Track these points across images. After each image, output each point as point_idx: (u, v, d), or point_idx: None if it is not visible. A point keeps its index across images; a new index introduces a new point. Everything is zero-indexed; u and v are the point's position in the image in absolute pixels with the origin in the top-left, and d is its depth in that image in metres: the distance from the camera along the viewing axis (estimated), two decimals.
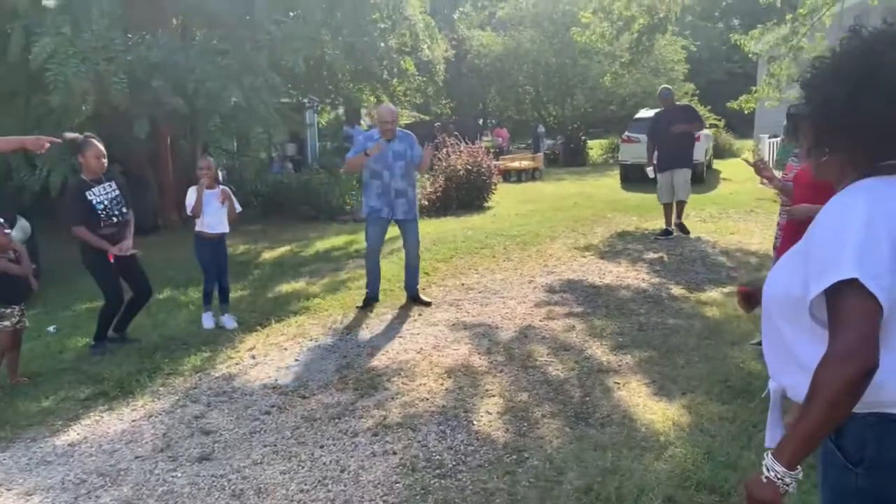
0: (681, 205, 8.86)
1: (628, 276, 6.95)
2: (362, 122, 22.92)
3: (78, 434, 3.84)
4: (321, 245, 9.56)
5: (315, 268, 8.03)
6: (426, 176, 12.63)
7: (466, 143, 13.24)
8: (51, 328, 5.86)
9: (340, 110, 24.91)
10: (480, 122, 31.13)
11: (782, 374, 1.56)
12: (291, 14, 8.93)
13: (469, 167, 12.49)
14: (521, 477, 3.20)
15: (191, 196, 5.56)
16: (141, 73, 7.24)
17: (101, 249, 4.96)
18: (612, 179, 16.44)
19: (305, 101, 12.92)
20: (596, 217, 10.73)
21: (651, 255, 7.86)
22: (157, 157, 9.89)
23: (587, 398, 4.05)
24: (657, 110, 9.58)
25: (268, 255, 9.03)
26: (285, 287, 7.14)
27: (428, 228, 10.24)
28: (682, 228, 8.80)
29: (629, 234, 9.26)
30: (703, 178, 14.22)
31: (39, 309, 6.57)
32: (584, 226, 9.96)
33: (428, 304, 6.07)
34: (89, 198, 4.92)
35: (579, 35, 12.23)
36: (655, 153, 8.82)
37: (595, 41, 12.01)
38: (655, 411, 3.82)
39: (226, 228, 5.72)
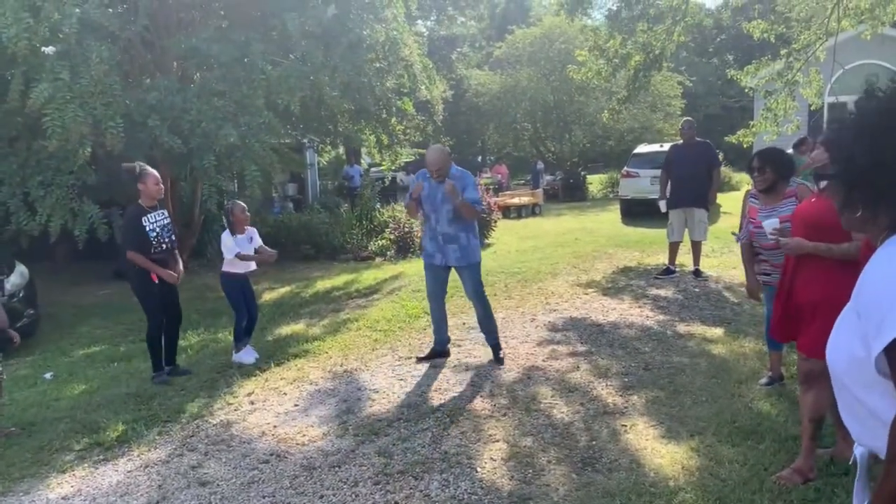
0: (697, 247, 8.48)
1: (632, 313, 6.88)
2: (363, 160, 23.08)
3: (72, 487, 3.75)
4: (322, 285, 9.51)
5: (315, 308, 7.96)
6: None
7: None
8: (47, 375, 5.78)
9: (341, 149, 25.10)
10: (479, 159, 31.34)
11: (869, 437, 1.52)
12: (291, 56, 9.03)
13: None
14: None
15: (227, 241, 5.74)
16: (138, 114, 7.28)
17: (149, 271, 5.22)
18: (613, 214, 16.45)
19: (305, 140, 12.99)
20: (597, 253, 10.69)
21: (654, 292, 7.79)
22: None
23: (594, 442, 3.95)
24: (672, 143, 9.26)
25: (268, 296, 8.97)
26: (285, 329, 7.06)
27: None
28: (698, 273, 8.39)
29: (631, 269, 9.21)
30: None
31: (36, 355, 6.50)
32: (585, 262, 9.92)
33: (500, 361, 5.41)
34: (144, 224, 5.16)
35: (576, 73, 12.33)
36: (668, 187, 8.52)
37: (591, 78, 12.11)
38: (664, 455, 3.72)
39: (255, 266, 5.97)
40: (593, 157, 28.21)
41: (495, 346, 5.52)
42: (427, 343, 6.12)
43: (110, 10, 8.07)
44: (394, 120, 11.74)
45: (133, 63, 8.90)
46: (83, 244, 7.84)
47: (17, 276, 6.83)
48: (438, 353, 5.62)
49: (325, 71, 8.06)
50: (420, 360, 5.54)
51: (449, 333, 6.39)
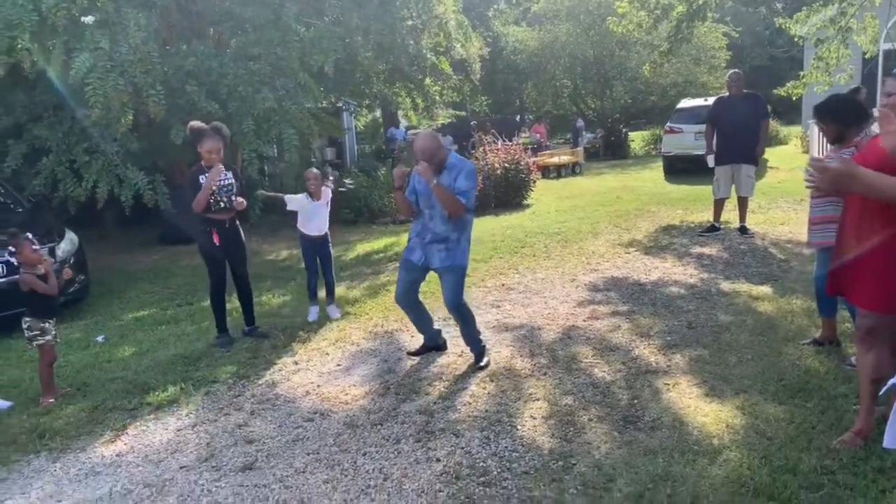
0: (743, 203, 8.24)
1: (675, 271, 6.76)
2: (402, 123, 22.97)
3: (125, 444, 3.88)
4: (361, 248, 9.57)
5: (356, 271, 8.02)
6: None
7: (503, 141, 13.11)
8: (99, 338, 5.96)
9: (378, 112, 25.04)
10: (518, 118, 30.90)
11: None
12: (325, 18, 8.95)
13: (507, 165, 12.37)
14: (568, 484, 3.10)
15: (299, 203, 5.98)
16: (176, 81, 7.34)
17: (211, 231, 5.30)
18: (655, 172, 16.11)
19: (341, 104, 12.96)
20: (639, 211, 10.50)
21: (698, 250, 7.63)
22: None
23: (635, 401, 3.92)
24: (719, 95, 8.87)
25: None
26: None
27: None
28: (744, 230, 8.17)
29: (674, 227, 9.03)
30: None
31: (88, 319, 6.70)
32: (627, 221, 9.76)
33: (485, 366, 4.62)
34: (201, 181, 5.20)
35: (615, 25, 11.96)
36: (715, 142, 8.19)
37: (632, 31, 11.73)
38: (707, 413, 3.67)
39: (327, 229, 6.14)
40: (635, 113, 27.53)
41: (478, 355, 4.70)
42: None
43: None
44: (429, 80, 11.61)
45: (170, 30, 8.94)
46: (130, 211, 8.01)
47: (68, 242, 7.02)
48: (431, 347, 4.98)
49: (358, 31, 7.97)
50: (411, 354, 4.95)
51: (488, 295, 6.38)
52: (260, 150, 8.22)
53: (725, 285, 6.12)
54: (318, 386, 4.51)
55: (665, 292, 6.06)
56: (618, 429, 3.60)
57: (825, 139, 4.08)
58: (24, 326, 4.57)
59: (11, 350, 5.68)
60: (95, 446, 3.87)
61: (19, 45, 6.83)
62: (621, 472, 3.14)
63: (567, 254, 7.93)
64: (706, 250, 7.57)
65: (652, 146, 22.24)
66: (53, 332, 4.66)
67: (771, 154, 17.09)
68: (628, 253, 7.74)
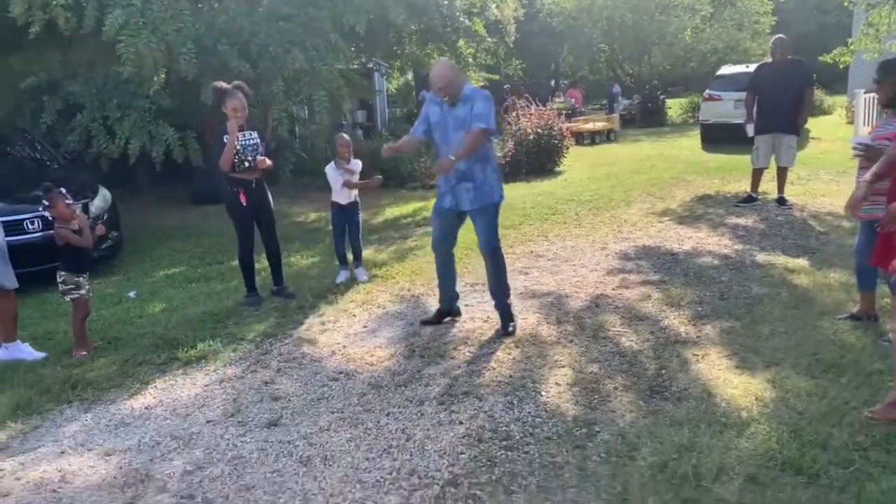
0: (783, 173, 8.00)
1: (709, 241, 6.62)
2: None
3: (154, 397, 3.95)
4: (390, 212, 9.54)
5: (384, 235, 8.01)
6: (495, 140, 12.38)
7: (537, 106, 12.88)
8: (131, 294, 6.05)
9: (410, 75, 24.78)
10: (553, 82, 30.36)
11: None
12: None
13: (539, 130, 12.17)
14: (591, 451, 3.07)
15: (332, 173, 5.98)
16: (208, 39, 7.31)
17: (238, 191, 5.30)
18: (692, 140, 15.75)
19: (372, 66, 12.83)
20: (674, 180, 10.29)
21: (734, 220, 7.46)
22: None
23: (663, 371, 3.86)
24: (762, 62, 8.58)
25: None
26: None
27: None
28: (783, 202, 7.93)
29: (710, 197, 8.83)
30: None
31: (121, 276, 6.81)
32: (661, 189, 9.57)
33: (508, 332, 4.50)
34: (225, 141, 5.20)
35: None
36: (755, 110, 7.89)
37: None
38: (737, 385, 3.60)
39: (356, 197, 6.08)
40: (674, 80, 26.83)
41: (504, 315, 4.57)
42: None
43: None
44: (462, 42, 11.40)
45: None
46: (163, 170, 8.07)
47: (101, 199, 7.11)
48: (445, 312, 4.81)
49: None
50: (425, 323, 4.79)
51: (516, 261, 6.31)
52: (290, 111, 8.18)
53: (761, 257, 5.97)
54: (344, 346, 4.53)
55: (698, 262, 5.93)
56: (643, 398, 3.55)
57: (877, 102, 3.89)
58: (59, 280, 4.64)
59: (47, 304, 5.80)
60: (125, 399, 3.94)
61: (54, 2, 6.84)
62: (645, 441, 3.11)
63: (598, 222, 7.81)
64: (742, 221, 7.39)
65: (690, 114, 21.70)
66: (87, 287, 4.73)
67: (813, 124, 16.55)
68: (661, 222, 7.60)
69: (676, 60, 24.72)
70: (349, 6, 7.79)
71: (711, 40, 22.07)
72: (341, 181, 5.97)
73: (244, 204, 5.32)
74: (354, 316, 5.13)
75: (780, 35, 8.37)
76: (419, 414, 3.53)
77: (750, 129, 7.98)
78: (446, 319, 4.83)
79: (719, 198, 8.74)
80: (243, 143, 5.26)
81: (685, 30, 14.17)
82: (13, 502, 2.97)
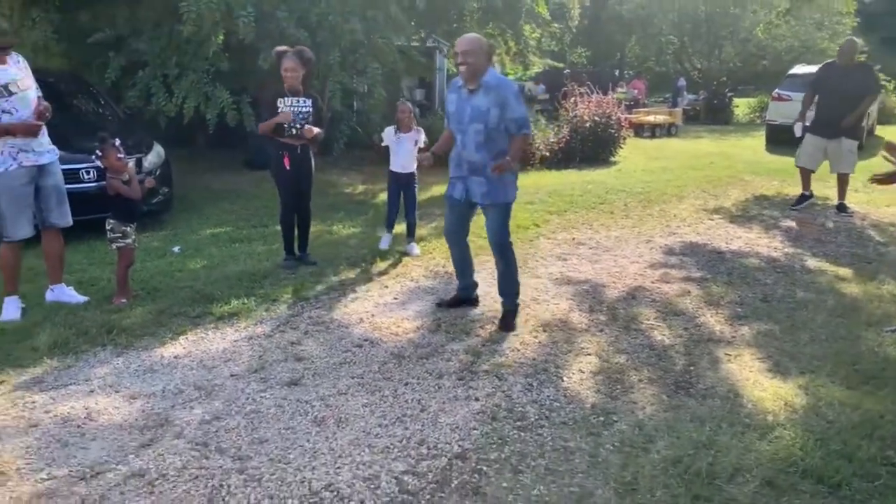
0: (843, 179, 7.63)
1: (759, 243, 6.40)
2: (496, 68, 22.55)
3: (183, 348, 4.04)
4: (437, 190, 9.50)
5: (427, 212, 7.98)
6: (549, 125, 12.20)
7: (597, 94, 12.64)
8: (175, 248, 6.20)
9: (494, 62, 24.59)
10: (616, 72, 29.72)
11: None
12: None
13: (596, 119, 11.93)
14: (605, 440, 3.01)
15: (388, 137, 6.02)
16: (268, 5, 7.38)
17: (282, 154, 5.36)
18: (757, 140, 15.24)
19: (432, 43, 12.77)
20: (731, 178, 9.97)
21: (788, 223, 7.19)
22: None
23: (691, 367, 3.76)
24: (827, 61, 8.24)
25: (384, 196, 9.10)
26: (395, 228, 7.15)
27: (546, 179, 9.97)
28: (842, 209, 7.60)
29: (767, 198, 8.53)
30: (862, 145, 12.82)
31: (168, 231, 6.99)
32: (716, 187, 9.29)
33: (508, 327, 4.29)
34: (278, 105, 5.27)
35: None
36: (812, 110, 7.61)
37: None
38: (766, 388, 3.48)
39: (414, 168, 6.03)
40: (744, 77, 25.91)
41: (509, 312, 4.38)
42: (531, 254, 6.02)
43: None
44: (526, 26, 11.24)
45: None
46: (219, 134, 8.21)
47: (155, 155, 7.29)
48: (463, 299, 4.69)
49: None
50: (441, 305, 4.67)
51: (556, 247, 6.23)
52: (345, 83, 8.21)
53: (811, 262, 5.75)
54: (373, 315, 4.55)
55: (744, 263, 5.75)
56: (667, 392, 3.46)
57: None
58: (107, 228, 4.78)
59: (95, 251, 5.99)
60: (156, 347, 4.05)
61: None
62: (663, 434, 3.03)
63: (647, 214, 7.64)
64: (796, 224, 7.12)
65: (758, 114, 20.98)
66: (133, 237, 4.86)
67: (888, 132, 15.80)
68: (712, 220, 7.38)
69: (749, 57, 23.94)
70: None
71: (787, 38, 21.26)
72: (407, 147, 5.91)
73: (287, 168, 5.37)
74: (386, 287, 5.14)
75: (852, 38, 7.99)
76: (437, 387, 3.53)
77: (797, 129, 7.66)
78: (463, 307, 4.68)
79: (777, 200, 8.44)
80: (293, 108, 5.30)
81: (759, 25, 13.62)
82: (39, 433, 3.09)
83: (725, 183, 9.60)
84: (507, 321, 4.32)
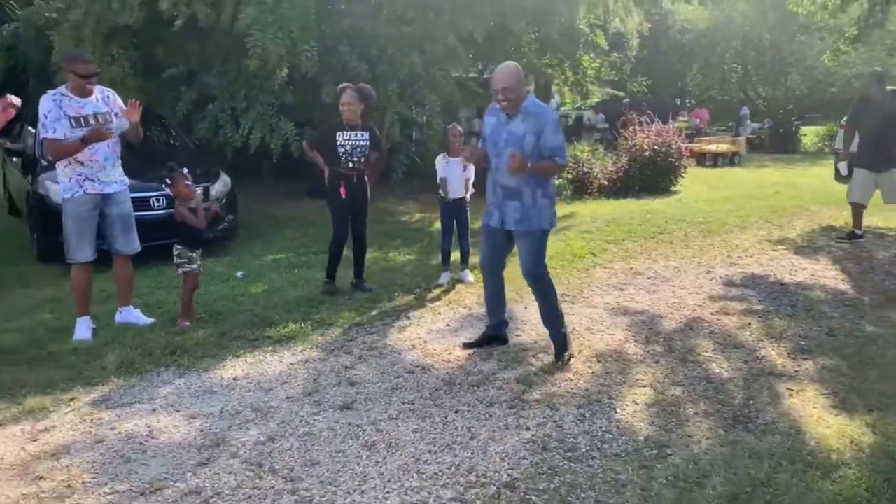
0: None
1: (825, 275, 6.18)
2: (554, 99, 22.58)
3: (242, 370, 4.16)
4: None
5: (479, 239, 8.02)
6: (607, 154, 12.13)
7: (656, 123, 12.52)
8: (238, 274, 6.41)
9: (531, 86, 24.73)
10: (678, 101, 29.36)
11: None
12: None
13: (656, 147, 11.81)
14: (658, 473, 2.94)
15: (439, 166, 6.02)
16: (331, 40, 7.65)
17: (338, 185, 5.51)
18: (825, 169, 14.72)
19: (489, 74, 12.95)
20: (797, 208, 9.68)
21: (856, 254, 6.92)
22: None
23: (750, 402, 3.65)
24: (860, 96, 7.98)
25: (437, 224, 9.19)
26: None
27: (604, 208, 9.90)
28: None
29: (835, 229, 8.22)
30: None
31: (232, 256, 7.24)
32: (781, 217, 9.03)
33: (562, 362, 4.14)
34: (337, 138, 5.45)
35: (796, 6, 10.97)
36: (856, 144, 7.36)
37: (815, 13, 10.71)
38: (831, 425, 3.34)
39: (464, 193, 6.05)
40: (811, 105, 25.24)
41: (560, 345, 4.19)
42: (587, 283, 5.97)
43: None
44: (585, 56, 11.28)
45: None
46: (285, 163, 8.49)
47: (221, 184, 7.59)
48: (491, 337, 4.44)
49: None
50: (467, 346, 4.43)
51: (613, 277, 6.16)
52: (403, 114, 8.40)
53: (881, 296, 5.51)
54: (425, 342, 4.59)
55: (809, 295, 5.55)
56: (725, 427, 3.37)
57: None
58: (174, 254, 4.98)
59: (163, 275, 6.24)
60: (216, 368, 4.18)
61: None
62: (719, 470, 2.94)
63: (707, 244, 7.48)
64: (865, 255, 6.84)
65: (826, 143, 20.34)
66: (199, 263, 5.05)
67: None
68: (776, 250, 7.17)
69: (816, 84, 23.32)
70: (469, 12, 7.92)
71: (857, 64, 20.61)
72: (457, 171, 5.90)
73: (343, 197, 5.51)
74: (439, 314, 5.18)
75: (875, 69, 7.76)
76: (487, 415, 3.52)
77: (843, 168, 7.42)
78: (492, 346, 4.42)
79: (846, 231, 8.13)
80: (353, 142, 5.46)
81: (825, 52, 13.28)
82: (105, 448, 3.22)
83: (790, 213, 9.32)
84: (558, 352, 4.19)
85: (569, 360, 4.16)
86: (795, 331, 4.73)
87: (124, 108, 4.78)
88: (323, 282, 5.79)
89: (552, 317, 4.22)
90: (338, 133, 5.46)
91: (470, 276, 6.13)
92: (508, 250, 4.35)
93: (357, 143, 5.48)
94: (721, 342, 4.54)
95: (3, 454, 3.19)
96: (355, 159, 5.49)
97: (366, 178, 5.69)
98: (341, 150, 5.46)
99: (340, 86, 5.64)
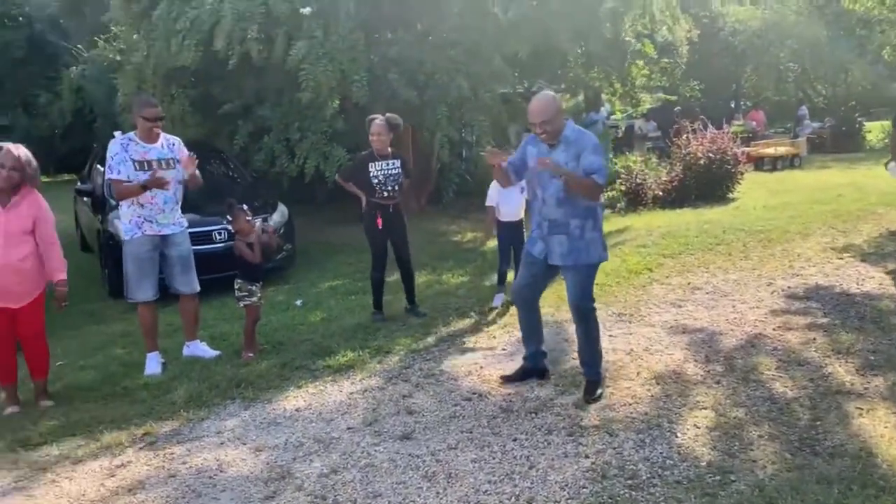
0: None
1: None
2: (604, 107, 22.39)
3: (304, 401, 4.28)
4: None
5: None
6: (661, 164, 11.97)
7: (711, 129, 12.29)
8: (298, 302, 6.59)
9: (580, 97, 24.62)
10: (732, 104, 28.69)
11: None
12: (533, 3, 8.95)
13: (711, 155, 11.58)
14: (722, 500, 2.90)
15: (492, 193, 5.99)
16: (380, 68, 7.83)
17: (376, 215, 5.61)
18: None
19: (535, 89, 12.97)
20: (863, 212, 9.31)
21: None
22: (399, 147, 10.69)
23: (817, 423, 3.55)
24: None
25: (492, 243, 9.22)
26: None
27: (659, 220, 9.75)
28: None
29: None
30: None
31: (291, 284, 7.44)
32: (846, 222, 8.71)
33: (592, 399, 3.97)
34: (370, 170, 5.58)
35: (853, 3, 10.64)
36: None
37: (872, 9, 10.37)
38: None
39: (522, 216, 6.07)
40: (876, 100, 24.28)
41: (592, 383, 4.04)
42: (644, 301, 5.90)
43: None
44: (636, 64, 11.19)
45: (379, 19, 9.51)
46: (338, 189, 8.65)
47: (279, 214, 7.83)
48: (530, 371, 4.32)
49: (556, 16, 7.92)
50: (506, 380, 4.32)
51: (670, 293, 6.07)
52: (452, 136, 8.52)
53: None
54: (481, 367, 4.62)
55: (877, 306, 5.36)
56: (790, 450, 3.29)
57: None
58: (236, 287, 5.16)
59: (225, 307, 6.47)
60: (280, 399, 4.31)
61: (249, 36, 7.70)
62: (786, 496, 2.88)
63: (768, 255, 7.28)
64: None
65: (887, 140, 19.54)
66: (259, 295, 5.21)
67: None
68: (841, 258, 6.93)
69: (880, 79, 22.43)
70: (513, 33, 8.00)
71: None
72: (514, 194, 5.80)
73: (380, 227, 5.61)
74: (494, 338, 5.21)
75: None
76: (546, 443, 3.53)
77: (892, 169, 7.08)
78: (531, 379, 4.30)
79: None
80: (385, 172, 5.56)
81: (885, 47, 12.84)
82: (177, 483, 3.37)
83: (856, 217, 8.98)
84: (590, 392, 3.99)
85: (599, 397, 3.99)
86: (864, 345, 4.57)
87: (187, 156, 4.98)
88: (371, 313, 5.87)
89: (592, 354, 4.11)
90: (370, 164, 5.56)
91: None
92: (547, 283, 4.29)
93: (390, 171, 5.57)
94: (784, 359, 4.43)
95: (85, 490, 3.37)
96: (389, 188, 5.58)
97: (402, 209, 5.76)
98: (375, 180, 5.54)
99: (369, 117, 5.70)
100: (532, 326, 4.30)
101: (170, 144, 4.97)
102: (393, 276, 6.14)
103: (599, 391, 4.02)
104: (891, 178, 7.26)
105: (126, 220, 4.86)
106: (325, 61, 7.46)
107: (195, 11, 7.94)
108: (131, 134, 4.89)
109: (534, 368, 4.34)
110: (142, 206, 4.80)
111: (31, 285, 4.34)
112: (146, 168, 4.79)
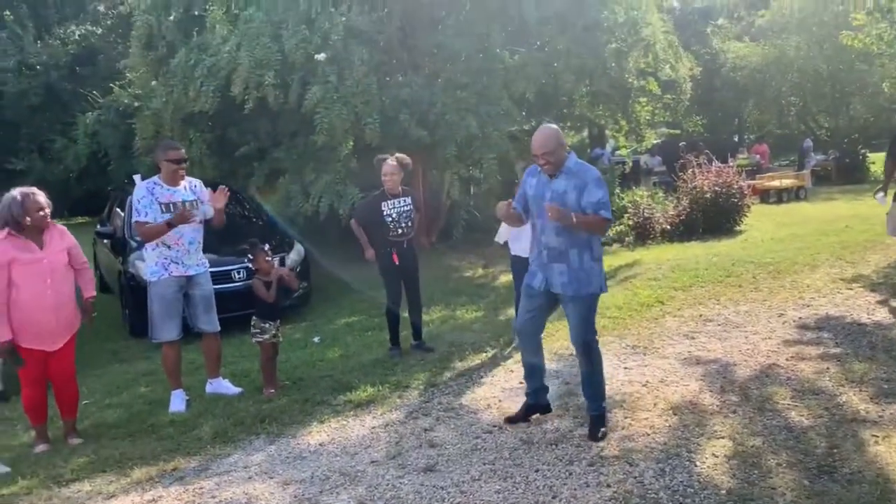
0: None
1: None
2: (609, 143, 22.70)
3: (328, 436, 4.36)
4: None
5: None
6: (667, 198, 12.12)
7: (715, 163, 12.45)
8: (316, 339, 6.70)
9: (585, 133, 25.00)
10: (736, 138, 29.01)
11: None
12: (536, 44, 9.24)
13: (717, 188, 11.73)
14: None
15: (502, 232, 6.09)
16: (391, 110, 8.06)
17: (391, 251, 5.73)
18: None
19: None
20: (871, 243, 9.41)
21: None
22: (410, 185, 10.90)
23: (834, 450, 3.61)
24: None
25: (504, 278, 9.34)
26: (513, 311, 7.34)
27: (668, 253, 9.85)
28: None
29: None
30: None
31: (308, 321, 7.55)
32: (854, 253, 8.81)
33: (597, 438, 3.94)
34: (382, 209, 5.73)
35: (850, 39, 10.90)
36: None
37: (870, 45, 10.62)
38: None
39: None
40: (878, 132, 24.52)
41: (596, 418, 4.02)
42: (657, 333, 5.98)
43: (371, 14, 8.96)
44: (640, 101, 11.42)
45: (391, 63, 9.81)
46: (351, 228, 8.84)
47: (295, 253, 8.00)
48: (533, 407, 4.29)
49: (561, 57, 8.17)
50: (510, 421, 4.28)
51: (683, 325, 6.15)
52: (461, 174, 8.71)
53: None
54: (500, 401, 4.70)
55: (889, 335, 5.43)
56: (809, 477, 3.35)
57: None
58: (251, 324, 5.28)
59: (245, 344, 6.55)
60: (304, 434, 4.40)
61: (266, 82, 7.96)
62: None
63: (777, 286, 7.37)
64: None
65: None
66: (273, 332, 5.27)
67: None
68: (850, 289, 7.01)
69: (881, 111, 22.70)
70: (521, 74, 8.24)
71: None
72: (526, 228, 5.88)
73: (396, 263, 5.74)
74: (512, 371, 5.29)
75: None
76: (567, 473, 3.60)
77: (881, 199, 7.23)
78: (534, 416, 4.30)
79: None
80: (398, 209, 5.72)
81: (885, 79, 13.06)
82: None
83: (863, 248, 9.08)
84: (594, 429, 3.98)
85: (603, 436, 3.95)
86: (877, 374, 4.64)
87: (209, 195, 5.14)
88: (388, 349, 5.97)
89: (595, 388, 4.08)
90: (382, 204, 5.72)
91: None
92: (548, 316, 4.28)
93: (402, 209, 5.74)
94: (799, 389, 4.50)
95: None
96: (403, 225, 5.73)
97: (414, 242, 5.89)
98: (388, 219, 5.70)
99: (379, 157, 5.87)
100: (534, 360, 4.27)
101: (192, 186, 5.15)
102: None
103: (603, 430, 4.00)
104: (880, 206, 7.39)
105: (152, 262, 5.00)
106: (340, 105, 7.71)
107: (213, 59, 8.23)
108: (156, 178, 5.06)
109: (536, 405, 4.32)
110: (168, 247, 4.94)
111: (68, 326, 4.49)
112: (172, 210, 4.95)
